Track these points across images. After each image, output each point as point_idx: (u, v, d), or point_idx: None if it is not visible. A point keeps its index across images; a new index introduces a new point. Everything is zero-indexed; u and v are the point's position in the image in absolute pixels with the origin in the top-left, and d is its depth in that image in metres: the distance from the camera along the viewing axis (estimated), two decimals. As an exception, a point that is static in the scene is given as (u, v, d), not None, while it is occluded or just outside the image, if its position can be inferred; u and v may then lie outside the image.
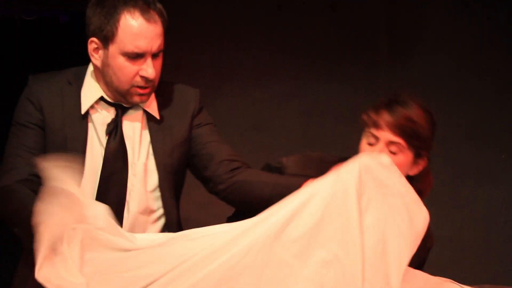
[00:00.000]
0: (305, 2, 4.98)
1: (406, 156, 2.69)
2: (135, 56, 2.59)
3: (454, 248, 4.90)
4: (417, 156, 2.72)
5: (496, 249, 4.91)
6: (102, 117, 2.70)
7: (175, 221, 2.85)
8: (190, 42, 4.88)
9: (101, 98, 2.69)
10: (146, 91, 2.65)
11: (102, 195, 2.66)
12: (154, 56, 2.63)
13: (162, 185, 2.76)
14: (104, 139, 2.68)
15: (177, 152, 2.76)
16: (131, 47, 2.57)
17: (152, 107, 2.75)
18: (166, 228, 2.80)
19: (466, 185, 4.93)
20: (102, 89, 2.68)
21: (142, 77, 2.61)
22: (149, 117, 2.74)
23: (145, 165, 2.73)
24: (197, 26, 4.90)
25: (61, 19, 5.18)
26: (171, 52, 4.88)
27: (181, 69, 4.89)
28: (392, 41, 4.95)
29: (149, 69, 2.61)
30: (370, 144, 2.69)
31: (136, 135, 2.72)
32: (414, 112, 2.68)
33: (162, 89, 2.78)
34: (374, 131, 2.67)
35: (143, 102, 2.69)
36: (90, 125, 2.69)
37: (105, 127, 2.69)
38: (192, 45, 4.88)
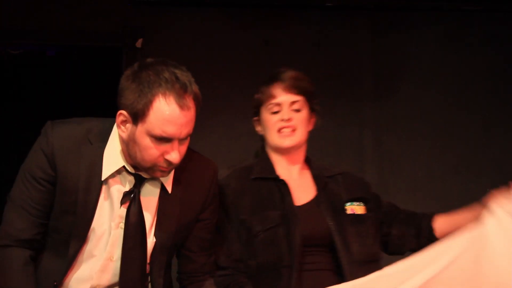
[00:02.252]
0: (292, 38, 5.02)
1: (306, 111, 3.11)
2: (162, 139, 2.52)
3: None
4: (312, 110, 3.14)
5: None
6: (118, 185, 2.65)
7: None
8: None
9: (122, 167, 2.64)
10: (169, 169, 2.61)
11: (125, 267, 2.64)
12: (182, 140, 2.57)
13: (152, 263, 2.72)
14: (117, 206, 2.63)
15: (178, 236, 2.75)
16: (159, 131, 2.50)
17: (169, 181, 2.72)
18: None
19: (452, 220, 4.93)
20: (125, 158, 2.63)
21: (166, 159, 2.56)
22: (164, 190, 2.71)
23: (153, 243, 2.71)
24: (185, 61, 4.91)
25: (48, 53, 5.19)
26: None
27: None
28: (377, 76, 4.98)
29: (174, 154, 2.55)
30: (275, 113, 3.07)
31: (152, 208, 2.69)
32: (296, 73, 3.12)
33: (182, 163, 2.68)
34: (274, 100, 3.07)
35: (164, 176, 2.65)
36: (104, 191, 2.63)
37: (120, 195, 2.64)
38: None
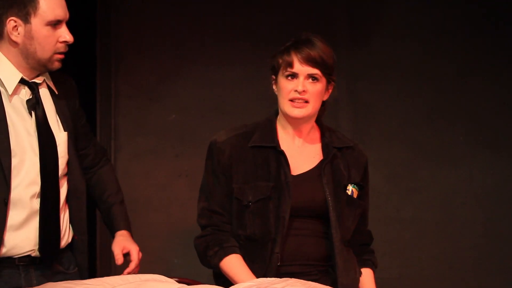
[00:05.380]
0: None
1: (322, 83, 3.13)
2: (56, 24, 2.89)
3: (414, 230, 4.96)
4: (328, 82, 3.17)
5: (454, 231, 4.97)
6: (17, 96, 2.95)
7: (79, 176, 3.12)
8: (151, 25, 4.85)
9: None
10: (63, 56, 2.96)
11: (44, 167, 2.94)
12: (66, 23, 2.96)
13: (69, 149, 3.07)
14: (25, 115, 2.94)
15: (73, 121, 3.11)
16: (52, 16, 2.87)
17: (50, 84, 3.06)
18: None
19: (426, 168, 4.98)
20: (19, 70, 2.94)
21: (62, 42, 2.93)
22: (51, 92, 3.05)
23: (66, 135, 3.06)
24: (158, 8, 4.88)
25: None
26: (132, 36, 4.89)
27: (142, 53, 4.87)
28: (352, 25, 4.97)
29: (68, 35, 2.93)
30: (290, 80, 3.12)
31: (51, 107, 3.03)
32: (319, 46, 3.12)
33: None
34: (291, 69, 3.11)
35: (61, 66, 2.98)
36: (7, 104, 2.92)
37: (23, 104, 2.95)
38: (153, 27, 4.86)
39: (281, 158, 3.14)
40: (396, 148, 5.00)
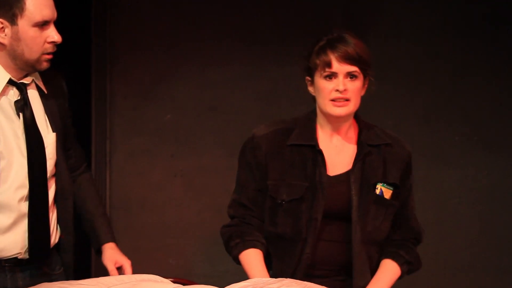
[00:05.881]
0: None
1: (361, 80, 3.12)
2: (43, 24, 2.84)
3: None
4: (365, 77, 3.15)
5: (449, 230, 4.97)
6: (4, 97, 2.91)
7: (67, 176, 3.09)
8: (147, 25, 4.85)
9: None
10: (52, 56, 2.92)
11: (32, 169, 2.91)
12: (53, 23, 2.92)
13: (57, 150, 3.03)
14: (12, 117, 2.90)
15: (62, 120, 3.07)
16: (40, 17, 2.82)
17: (39, 83, 3.01)
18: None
19: (421, 167, 4.97)
20: (7, 70, 2.90)
21: (50, 42, 2.88)
22: (40, 92, 3.01)
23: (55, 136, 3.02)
24: (154, 8, 4.87)
25: None
26: (128, 36, 4.88)
27: (138, 53, 4.86)
28: (348, 24, 4.96)
29: (56, 35, 2.88)
30: (329, 80, 3.08)
31: (40, 108, 3.00)
32: (354, 43, 3.10)
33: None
34: (329, 69, 3.07)
35: (49, 66, 2.93)
36: None
37: (11, 106, 2.91)
38: (149, 27, 4.85)
39: (318, 157, 3.11)
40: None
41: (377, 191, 3.15)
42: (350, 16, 4.97)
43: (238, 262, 3.16)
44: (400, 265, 3.20)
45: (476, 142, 4.98)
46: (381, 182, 3.16)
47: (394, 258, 3.19)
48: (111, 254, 3.14)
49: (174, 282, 2.94)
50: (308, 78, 3.17)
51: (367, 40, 4.95)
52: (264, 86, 4.92)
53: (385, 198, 3.16)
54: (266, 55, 4.90)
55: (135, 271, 3.13)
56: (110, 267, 3.10)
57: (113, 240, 3.19)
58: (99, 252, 3.18)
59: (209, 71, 4.88)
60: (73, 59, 4.48)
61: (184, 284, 2.85)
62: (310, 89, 3.17)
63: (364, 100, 4.98)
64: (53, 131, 3.01)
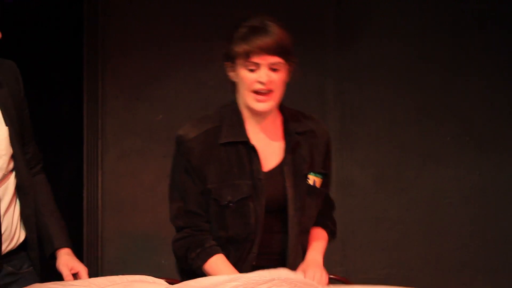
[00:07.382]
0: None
1: (284, 69, 2.98)
2: None
3: (401, 230, 4.97)
4: (289, 65, 3.00)
5: (441, 231, 4.98)
6: None
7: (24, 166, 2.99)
8: (138, 25, 4.85)
9: None
10: None
11: None
12: None
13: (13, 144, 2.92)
14: None
15: (17, 112, 2.94)
16: None
17: None
18: None
19: (413, 168, 4.99)
20: None
21: None
22: None
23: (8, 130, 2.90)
24: (146, 9, 4.87)
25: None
26: (119, 37, 4.88)
27: (129, 53, 4.86)
28: (340, 25, 4.97)
29: None
30: (251, 70, 2.94)
31: None
32: (276, 32, 2.96)
33: None
34: (251, 59, 2.92)
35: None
36: None
37: None
38: (141, 28, 4.85)
39: (252, 154, 3.00)
40: (383, 149, 5.01)
41: (310, 182, 3.07)
42: (341, 17, 4.97)
43: (201, 272, 2.99)
44: (328, 233, 3.20)
45: (468, 143, 4.99)
46: (312, 172, 3.08)
47: (323, 227, 3.19)
48: (66, 259, 3.01)
49: (167, 282, 2.92)
50: (228, 63, 3.02)
51: (359, 41, 5.00)
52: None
53: (317, 187, 3.09)
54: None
55: (127, 271, 3.12)
56: (65, 272, 2.97)
57: (68, 245, 3.05)
58: (52, 257, 3.04)
59: (200, 71, 4.88)
60: (65, 60, 4.47)
61: (173, 283, 2.84)
62: (231, 74, 3.03)
63: (355, 101, 5.02)
64: (6, 125, 2.88)
